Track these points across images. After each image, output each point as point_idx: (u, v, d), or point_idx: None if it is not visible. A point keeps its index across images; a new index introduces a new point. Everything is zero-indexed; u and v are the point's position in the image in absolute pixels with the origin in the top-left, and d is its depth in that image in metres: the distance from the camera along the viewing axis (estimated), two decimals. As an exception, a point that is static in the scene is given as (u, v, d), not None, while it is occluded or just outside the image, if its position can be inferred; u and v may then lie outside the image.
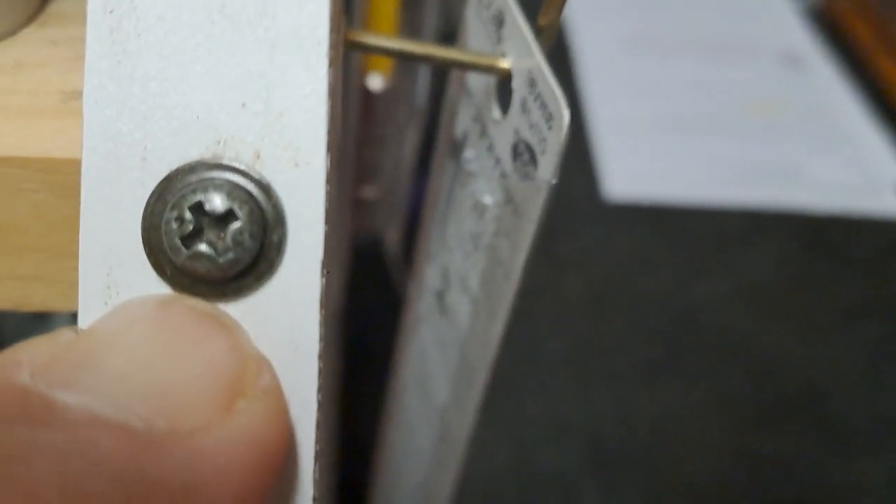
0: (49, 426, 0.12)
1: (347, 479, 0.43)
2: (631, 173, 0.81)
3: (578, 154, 0.82)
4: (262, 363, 0.14)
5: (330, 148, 0.14)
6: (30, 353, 0.13)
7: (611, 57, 0.94)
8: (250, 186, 0.14)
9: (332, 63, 0.14)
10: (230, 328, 0.14)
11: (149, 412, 0.12)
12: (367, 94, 0.33)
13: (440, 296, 0.29)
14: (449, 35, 0.38)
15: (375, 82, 0.33)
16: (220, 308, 0.14)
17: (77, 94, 0.17)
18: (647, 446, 0.62)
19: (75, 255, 0.15)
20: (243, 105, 0.14)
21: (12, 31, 0.19)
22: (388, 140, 0.36)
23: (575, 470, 0.60)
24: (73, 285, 0.18)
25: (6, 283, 0.18)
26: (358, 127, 0.34)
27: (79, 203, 0.15)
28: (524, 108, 0.21)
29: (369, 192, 0.37)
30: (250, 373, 0.14)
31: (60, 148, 0.16)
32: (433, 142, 0.28)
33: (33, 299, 0.18)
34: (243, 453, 0.13)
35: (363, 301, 0.42)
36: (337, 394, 0.41)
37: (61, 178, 0.16)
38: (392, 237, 0.41)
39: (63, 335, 0.13)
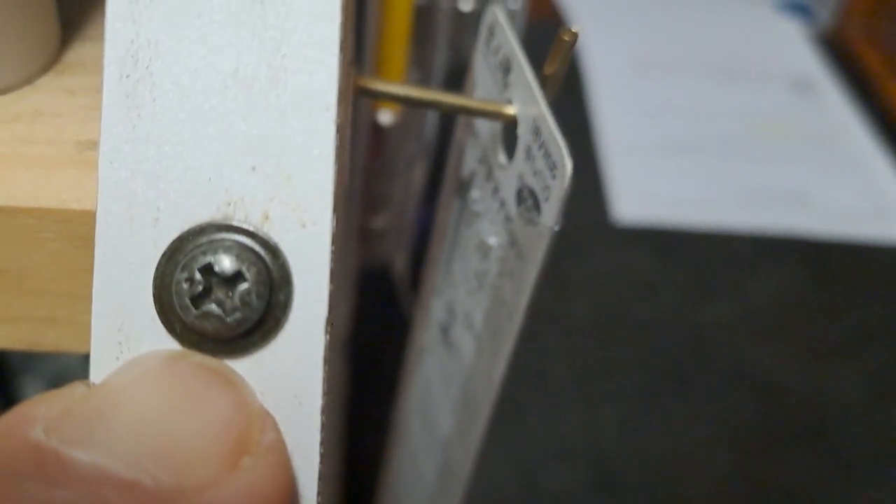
0: (63, 483, 0.13)
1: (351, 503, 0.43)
2: (640, 196, 0.81)
3: (588, 177, 0.83)
4: (267, 420, 0.14)
5: (336, 209, 0.15)
6: (44, 408, 0.13)
7: (621, 80, 0.94)
8: (258, 248, 0.14)
9: (339, 128, 0.15)
10: (236, 385, 0.14)
11: (157, 469, 0.13)
12: (376, 128, 0.34)
13: (445, 330, 0.29)
14: (457, 72, 0.38)
15: (385, 117, 0.34)
16: (226, 365, 0.15)
17: (92, 144, 0.18)
18: (652, 469, 0.62)
19: (88, 299, 0.15)
20: (254, 168, 0.14)
21: (30, 80, 0.19)
22: (397, 172, 0.36)
23: (579, 492, 0.61)
24: (86, 327, 0.19)
25: (22, 324, 0.19)
26: (367, 160, 0.35)
27: (92, 252, 0.15)
28: (529, 155, 0.21)
29: (378, 222, 0.38)
30: (255, 430, 0.14)
31: (76, 199, 0.17)
32: (440, 173, 0.28)
33: (47, 340, 0.19)
34: None
35: (370, 327, 0.42)
36: (342, 419, 0.41)
37: (76, 228, 0.17)
38: (399, 266, 0.42)
39: (76, 390, 0.14)
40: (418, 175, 0.39)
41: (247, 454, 0.14)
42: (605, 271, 0.76)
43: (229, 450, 0.13)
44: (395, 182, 0.37)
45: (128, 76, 0.14)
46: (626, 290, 0.75)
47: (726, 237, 0.79)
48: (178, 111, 0.14)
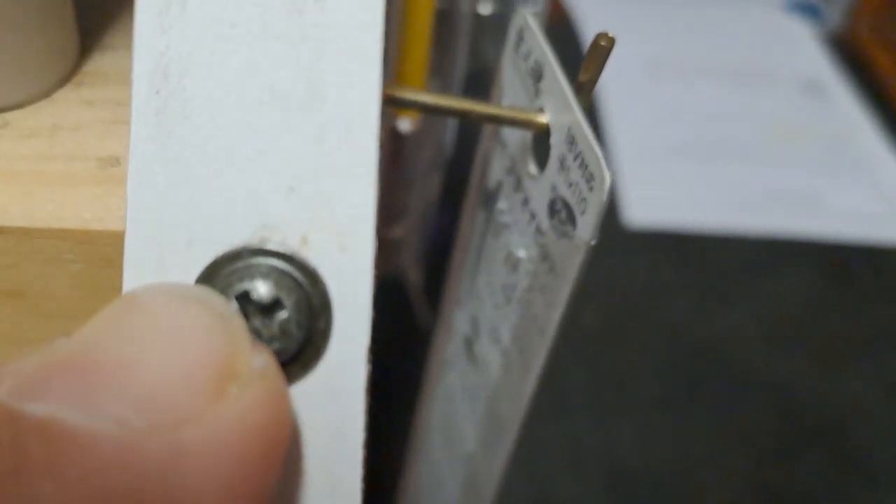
0: (20, 446, 0.11)
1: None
2: (651, 200, 0.81)
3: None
4: (257, 346, 0.13)
5: (377, 230, 0.14)
6: (16, 367, 0.12)
7: (632, 83, 0.94)
8: (296, 273, 0.14)
9: (381, 144, 0.14)
10: (216, 309, 0.13)
11: (124, 410, 0.11)
12: (395, 136, 0.33)
13: (469, 343, 0.28)
14: (477, 76, 0.38)
15: (404, 125, 0.33)
16: (206, 289, 0.13)
17: (114, 160, 0.17)
18: (666, 477, 0.62)
19: (110, 322, 0.14)
20: (291, 188, 0.14)
21: (48, 93, 0.18)
22: (415, 180, 0.36)
23: (592, 500, 0.60)
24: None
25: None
26: (386, 168, 0.34)
27: (115, 272, 0.14)
28: (563, 166, 0.20)
29: (395, 231, 0.37)
30: (243, 354, 0.13)
31: (98, 219, 0.16)
32: (458, 181, 0.27)
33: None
34: (236, 444, 0.12)
35: (386, 338, 0.41)
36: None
37: (99, 249, 0.16)
38: (415, 275, 0.41)
39: (54, 343, 0.13)
40: (435, 184, 0.38)
41: (233, 381, 0.12)
42: (616, 275, 0.75)
43: (212, 378, 0.12)
44: (412, 191, 0.36)
45: (158, 91, 0.14)
46: (638, 295, 0.74)
47: (738, 240, 0.78)
48: (212, 128, 0.14)
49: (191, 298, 0.13)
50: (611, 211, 0.79)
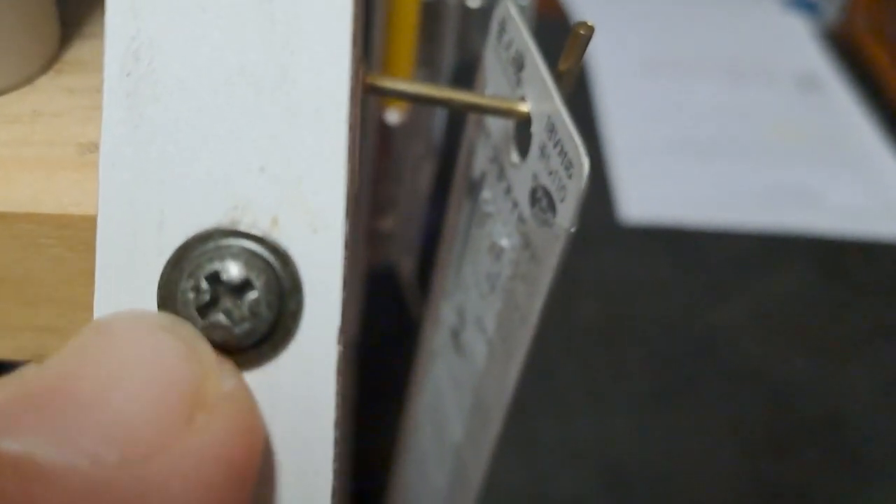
0: (1, 483, 0.11)
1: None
2: (647, 196, 0.81)
3: (594, 177, 0.82)
4: (225, 368, 0.13)
5: (349, 212, 0.14)
6: None
7: (628, 80, 0.94)
8: (267, 254, 0.14)
9: (351, 128, 0.14)
10: (183, 336, 0.13)
11: (95, 445, 0.12)
12: (384, 128, 0.33)
13: (455, 334, 0.29)
14: (465, 69, 0.38)
15: (392, 117, 0.33)
16: (171, 316, 0.14)
17: (94, 146, 0.17)
18: (662, 472, 0.62)
19: (90, 307, 0.15)
20: (262, 169, 0.14)
21: (29, 80, 0.19)
22: (404, 172, 0.36)
23: (589, 496, 0.60)
24: (88, 336, 0.18)
25: (24, 333, 0.18)
26: (375, 160, 0.34)
27: (93, 256, 0.14)
28: (543, 154, 0.20)
29: (385, 223, 0.37)
30: (211, 381, 0.13)
31: (76, 203, 0.16)
32: (448, 173, 0.27)
33: (49, 349, 0.18)
34: (207, 473, 0.12)
35: (377, 329, 0.41)
36: (350, 424, 0.41)
37: (77, 234, 0.16)
38: (407, 266, 0.41)
39: (24, 372, 0.13)
40: (426, 175, 0.38)
41: (202, 410, 0.12)
42: (612, 272, 0.75)
43: (180, 408, 0.12)
44: (402, 182, 0.36)
45: (129, 74, 0.14)
46: (634, 291, 0.74)
47: (735, 237, 0.78)
48: (182, 110, 0.14)
49: (158, 326, 0.13)
50: (607, 207, 0.79)
